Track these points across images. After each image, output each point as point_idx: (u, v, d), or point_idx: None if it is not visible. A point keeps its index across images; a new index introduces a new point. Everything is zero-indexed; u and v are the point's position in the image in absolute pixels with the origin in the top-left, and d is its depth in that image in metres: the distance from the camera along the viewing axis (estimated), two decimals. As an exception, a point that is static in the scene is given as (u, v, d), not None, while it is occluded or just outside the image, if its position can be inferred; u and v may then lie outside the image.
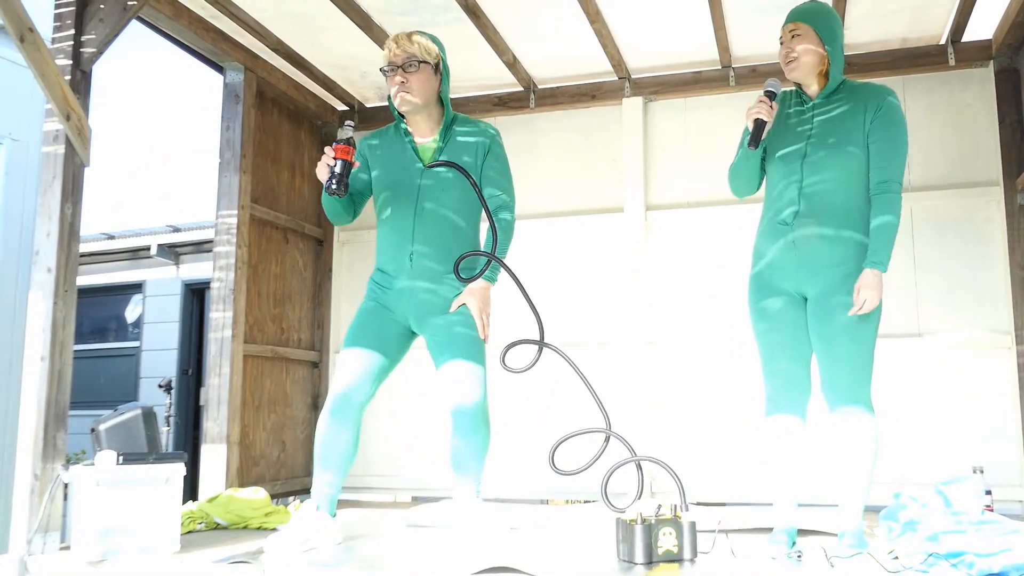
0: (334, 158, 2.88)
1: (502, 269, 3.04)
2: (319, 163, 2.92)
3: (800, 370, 2.87)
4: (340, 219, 3.18)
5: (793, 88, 3.01)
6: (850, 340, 2.73)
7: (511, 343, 2.92)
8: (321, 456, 3.01)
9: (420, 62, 3.03)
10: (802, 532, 3.04)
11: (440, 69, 3.11)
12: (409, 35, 3.06)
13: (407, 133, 3.15)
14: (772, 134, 2.94)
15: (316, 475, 3.02)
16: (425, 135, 3.15)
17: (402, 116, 3.14)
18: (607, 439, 2.79)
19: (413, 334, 3.19)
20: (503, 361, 2.87)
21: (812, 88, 2.92)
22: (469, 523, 3.03)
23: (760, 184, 3.04)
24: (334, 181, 2.87)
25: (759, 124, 2.80)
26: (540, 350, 2.91)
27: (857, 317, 2.72)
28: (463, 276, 2.99)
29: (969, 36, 4.34)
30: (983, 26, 4.30)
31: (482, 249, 3.12)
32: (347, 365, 3.04)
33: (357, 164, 2.94)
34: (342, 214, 3.15)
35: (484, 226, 3.09)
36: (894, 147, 2.80)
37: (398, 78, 3.03)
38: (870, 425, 2.72)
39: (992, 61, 4.32)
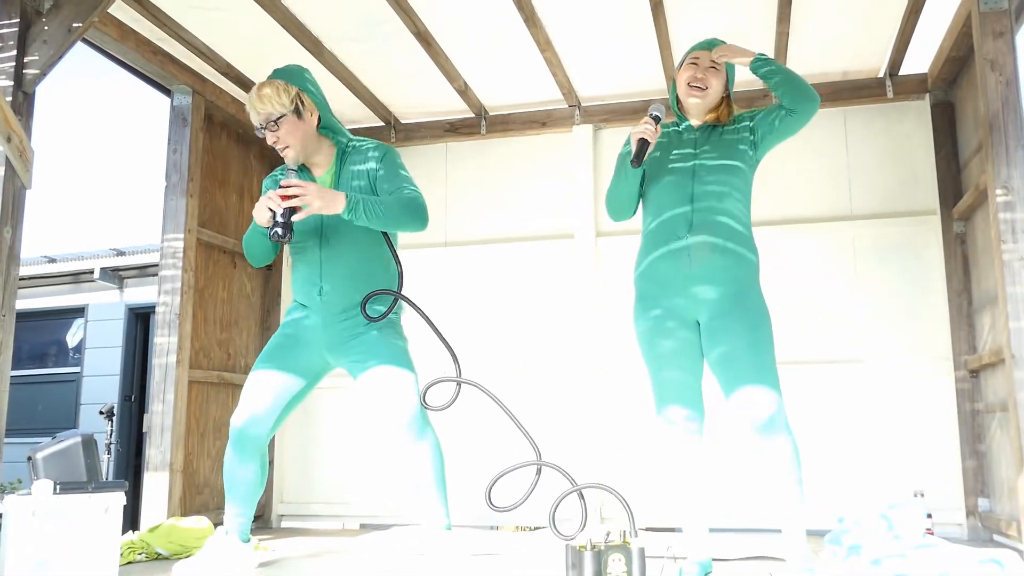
0: (281, 204, 2.72)
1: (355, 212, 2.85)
2: (258, 204, 2.80)
3: (693, 380, 2.93)
4: (262, 260, 3.11)
5: (685, 122, 3.02)
6: (754, 357, 2.72)
7: (432, 381, 2.90)
8: (227, 488, 3.08)
9: (277, 118, 2.94)
10: (749, 558, 3.06)
11: (303, 106, 2.98)
12: (259, 93, 2.94)
13: (306, 169, 3.09)
14: (659, 157, 2.96)
15: (226, 506, 3.10)
16: (321, 167, 3.11)
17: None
18: (539, 471, 2.81)
19: (327, 367, 3.16)
20: (424, 400, 2.93)
21: (694, 120, 2.98)
22: (431, 552, 2.99)
23: (636, 209, 3.03)
24: (280, 229, 2.70)
25: (642, 144, 2.80)
26: (459, 386, 2.89)
27: (754, 332, 2.74)
28: (370, 315, 2.98)
29: (906, 70, 4.48)
30: (919, 60, 4.45)
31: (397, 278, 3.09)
32: (247, 397, 3.04)
33: (303, 212, 2.76)
34: (265, 256, 3.09)
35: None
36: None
37: (270, 138, 2.97)
38: (788, 441, 2.71)
39: (928, 94, 4.46)
